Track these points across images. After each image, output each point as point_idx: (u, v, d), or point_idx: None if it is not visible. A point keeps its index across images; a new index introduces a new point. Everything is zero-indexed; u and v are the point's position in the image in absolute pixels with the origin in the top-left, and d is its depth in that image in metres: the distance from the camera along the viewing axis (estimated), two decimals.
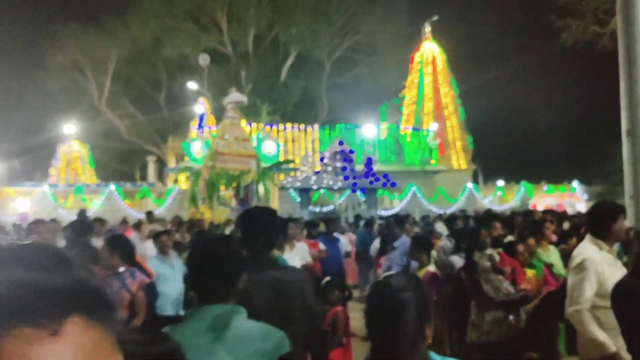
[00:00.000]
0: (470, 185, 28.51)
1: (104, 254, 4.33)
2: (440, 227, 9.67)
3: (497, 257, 4.93)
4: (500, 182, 31.90)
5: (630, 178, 6.67)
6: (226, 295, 2.02)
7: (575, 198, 24.78)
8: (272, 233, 2.74)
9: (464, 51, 37.35)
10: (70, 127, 29.86)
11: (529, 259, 5.36)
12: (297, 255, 6.42)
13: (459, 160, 33.82)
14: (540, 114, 42.83)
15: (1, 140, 27.70)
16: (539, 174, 30.99)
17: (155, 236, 6.48)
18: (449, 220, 8.05)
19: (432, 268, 5.13)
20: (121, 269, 4.34)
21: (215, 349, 1.87)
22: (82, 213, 8.19)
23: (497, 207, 21.63)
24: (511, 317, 4.73)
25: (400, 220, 8.08)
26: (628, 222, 6.22)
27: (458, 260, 5.58)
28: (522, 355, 4.71)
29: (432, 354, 1.92)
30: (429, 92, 34.50)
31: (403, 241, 6.35)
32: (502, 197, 28.41)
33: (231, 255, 2.09)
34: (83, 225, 5.94)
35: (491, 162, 37.12)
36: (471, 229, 5.34)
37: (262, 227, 2.71)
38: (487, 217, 6.73)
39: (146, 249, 7.57)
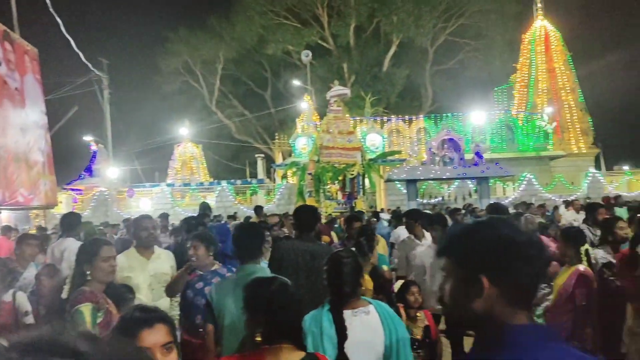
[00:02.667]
0: (593, 170, 26.35)
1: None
2: (570, 215, 8.79)
3: None
4: (625, 168, 29.16)
5: None
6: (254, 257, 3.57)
7: None
8: (311, 223, 4.50)
9: (580, 28, 34.66)
10: (184, 129, 31.43)
11: None
12: None
13: (579, 144, 31.39)
14: None
15: (122, 144, 29.76)
16: None
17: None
18: (590, 208, 7.17)
19: (581, 267, 4.39)
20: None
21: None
22: (203, 206, 8.41)
23: (626, 194, 19.70)
24: None
25: (452, 212, 8.24)
26: None
27: (603, 255, 4.86)
28: None
29: (367, 298, 2.99)
30: (542, 73, 32.31)
31: None
32: (631, 182, 25.92)
33: (255, 232, 3.72)
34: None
35: (614, 145, 34.10)
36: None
37: (305, 219, 4.53)
38: None
39: None
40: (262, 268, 3.72)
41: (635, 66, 38.97)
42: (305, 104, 30.03)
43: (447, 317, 1.47)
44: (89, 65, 22.37)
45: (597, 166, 30.27)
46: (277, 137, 31.38)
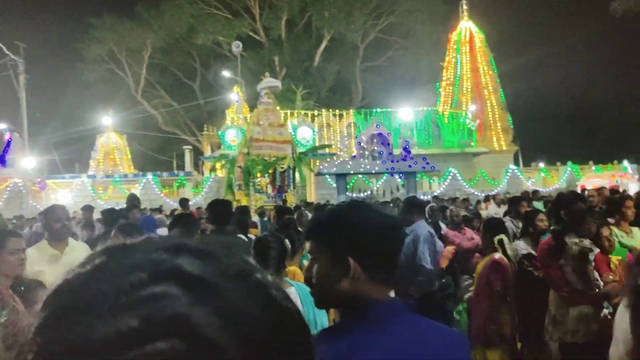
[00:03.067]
0: (512, 166, 27.58)
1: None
2: (492, 209, 9.10)
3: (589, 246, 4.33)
4: (541, 164, 30.76)
5: None
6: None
7: (627, 177, 23.59)
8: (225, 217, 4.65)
9: (503, 29, 36.13)
10: (107, 119, 30.13)
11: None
12: None
13: (500, 141, 32.79)
14: (584, 92, 41.15)
15: (40, 133, 28.15)
16: (583, 154, 29.76)
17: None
18: (512, 201, 7.40)
19: (497, 255, 4.57)
20: None
21: None
22: (131, 197, 7.99)
23: (542, 190, 20.73)
24: (606, 311, 4.14)
25: (380, 206, 7.75)
26: None
27: (524, 246, 5.03)
28: None
29: (290, 280, 3.20)
30: (467, 72, 33.47)
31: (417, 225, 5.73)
32: (547, 178, 27.37)
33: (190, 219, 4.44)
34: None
35: (531, 143, 35.87)
36: (575, 209, 4.60)
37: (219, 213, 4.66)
38: (572, 198, 5.96)
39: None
40: None
41: (551, 66, 41.18)
42: (235, 96, 29.56)
43: (315, 297, 1.51)
44: (4, 48, 21.01)
45: (516, 163, 31.73)
46: (205, 129, 30.75)
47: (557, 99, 41.55)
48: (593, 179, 22.90)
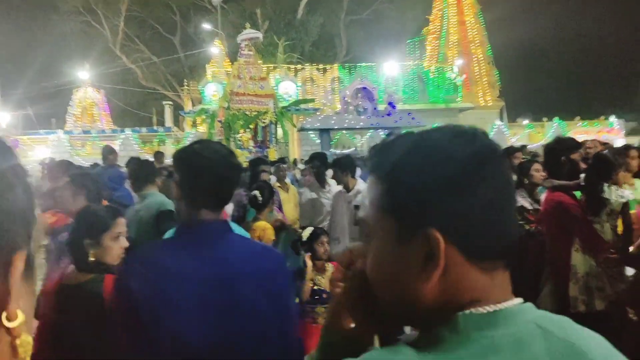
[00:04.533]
0: (498, 122, 27.34)
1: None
2: None
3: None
4: (526, 121, 30.52)
5: None
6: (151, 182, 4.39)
7: (613, 133, 23.50)
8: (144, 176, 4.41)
9: None
10: (84, 73, 29.14)
11: None
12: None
13: (485, 96, 32.43)
14: (572, 45, 40.69)
15: (14, 87, 27.16)
16: (569, 110, 29.55)
17: None
18: (506, 153, 7.07)
19: None
20: None
21: None
22: (107, 151, 7.62)
23: (528, 146, 20.55)
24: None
25: (366, 161, 7.30)
26: None
27: (520, 199, 4.73)
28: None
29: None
30: (454, 25, 32.76)
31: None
32: (532, 134, 27.19)
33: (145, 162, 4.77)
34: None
35: (517, 98, 35.56)
36: (602, 156, 4.07)
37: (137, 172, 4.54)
38: (573, 145, 5.42)
39: None
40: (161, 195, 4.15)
41: (539, 20, 40.53)
42: (216, 49, 28.67)
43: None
44: None
45: (501, 118, 31.49)
46: (186, 83, 29.93)
47: (545, 53, 41.14)
48: (579, 135, 22.76)
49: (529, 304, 0.75)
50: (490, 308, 0.72)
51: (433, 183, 0.72)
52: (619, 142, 20.86)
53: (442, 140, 0.76)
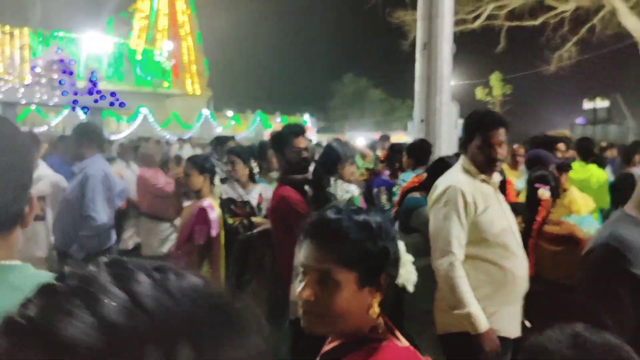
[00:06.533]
0: (206, 111, 27.50)
1: None
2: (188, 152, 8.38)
3: None
4: (230, 112, 31.60)
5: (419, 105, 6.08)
6: None
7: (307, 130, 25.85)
8: None
9: None
10: None
11: None
12: None
13: (194, 84, 32.38)
14: (276, 45, 43.81)
15: None
16: (272, 104, 31.61)
17: None
18: (218, 143, 6.73)
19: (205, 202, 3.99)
20: None
21: None
22: None
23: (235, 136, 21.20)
24: None
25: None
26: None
27: (226, 190, 4.41)
28: None
29: None
30: (164, 7, 31.77)
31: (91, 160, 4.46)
32: (237, 125, 28.17)
33: None
34: None
35: (224, 90, 36.64)
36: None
37: None
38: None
39: None
40: None
41: (246, 18, 42.36)
42: None
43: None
44: None
45: (209, 108, 31.88)
46: None
47: (252, 48, 43.34)
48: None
49: None
50: None
51: None
52: (312, 138, 23.07)
53: None
